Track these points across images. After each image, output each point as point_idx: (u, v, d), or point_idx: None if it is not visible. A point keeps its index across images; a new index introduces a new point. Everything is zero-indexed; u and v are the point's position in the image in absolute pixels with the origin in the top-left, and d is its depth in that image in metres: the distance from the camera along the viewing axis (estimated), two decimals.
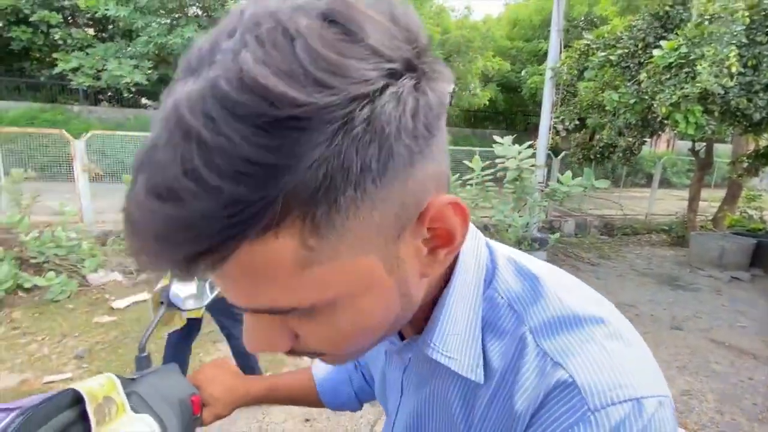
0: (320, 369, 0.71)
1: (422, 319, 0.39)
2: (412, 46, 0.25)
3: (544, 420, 0.32)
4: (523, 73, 13.11)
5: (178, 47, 9.63)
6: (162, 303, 0.68)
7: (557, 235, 5.55)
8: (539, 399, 0.32)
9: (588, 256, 6.15)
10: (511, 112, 17.02)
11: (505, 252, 0.42)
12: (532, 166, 4.88)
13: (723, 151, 11.15)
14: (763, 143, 6.56)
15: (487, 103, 13.50)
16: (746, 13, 4.07)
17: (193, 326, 2.06)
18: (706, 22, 4.07)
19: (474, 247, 0.39)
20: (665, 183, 12.70)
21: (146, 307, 3.52)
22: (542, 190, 5.31)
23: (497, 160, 5.16)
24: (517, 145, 4.87)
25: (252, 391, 0.66)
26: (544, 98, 6.08)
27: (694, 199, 7.08)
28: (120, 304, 3.70)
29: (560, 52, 5.95)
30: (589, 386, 0.30)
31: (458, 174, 5.60)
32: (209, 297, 0.74)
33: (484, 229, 5.79)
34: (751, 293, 4.87)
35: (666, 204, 9.48)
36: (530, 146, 4.79)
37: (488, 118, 17.75)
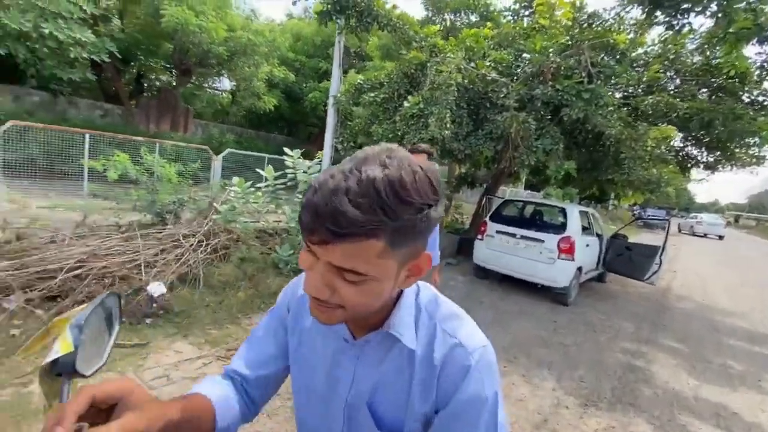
0: (203, 386, 0.68)
1: (375, 324, 0.62)
2: (434, 193, 0.49)
3: (449, 361, 0.59)
4: (305, 87, 14.11)
5: None
6: (60, 375, 0.50)
7: None
8: (445, 353, 0.60)
9: None
10: (294, 120, 17.71)
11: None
12: None
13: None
14: (462, 170, 9.91)
15: (273, 108, 13.86)
16: (455, 87, 6.11)
17: None
18: (436, 88, 5.90)
19: None
20: None
21: None
22: None
23: (287, 171, 5.74)
24: (306, 161, 5.63)
25: (168, 412, 0.53)
26: (328, 121, 7.09)
27: None
28: None
29: (340, 84, 7.10)
30: (466, 343, 0.60)
31: (251, 181, 5.88)
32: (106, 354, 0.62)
33: (276, 234, 6.27)
34: (456, 272, 7.26)
35: None
36: (319, 162, 5.59)
37: (272, 123, 17.99)
